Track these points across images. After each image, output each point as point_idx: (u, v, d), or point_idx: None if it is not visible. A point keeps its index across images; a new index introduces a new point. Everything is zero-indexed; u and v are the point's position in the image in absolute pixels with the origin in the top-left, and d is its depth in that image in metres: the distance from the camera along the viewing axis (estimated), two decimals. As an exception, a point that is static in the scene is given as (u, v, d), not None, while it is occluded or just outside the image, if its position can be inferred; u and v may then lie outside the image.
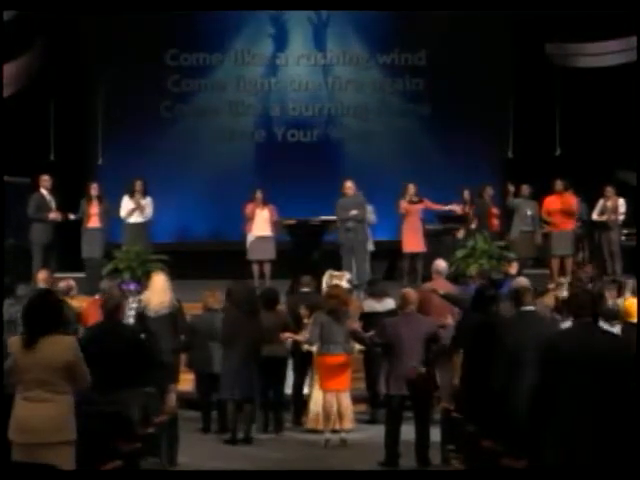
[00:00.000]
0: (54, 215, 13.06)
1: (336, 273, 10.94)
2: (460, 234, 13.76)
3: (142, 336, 8.05)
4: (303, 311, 9.81)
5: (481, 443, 6.37)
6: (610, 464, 4.73)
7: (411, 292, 8.59)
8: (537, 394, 4.97)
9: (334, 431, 9.03)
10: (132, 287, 11.07)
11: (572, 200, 13.66)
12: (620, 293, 9.57)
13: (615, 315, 8.46)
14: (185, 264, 13.60)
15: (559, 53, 15.31)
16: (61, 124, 15.53)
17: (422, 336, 8.15)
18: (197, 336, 9.50)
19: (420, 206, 13.58)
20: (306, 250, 12.75)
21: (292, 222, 12.98)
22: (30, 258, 12.88)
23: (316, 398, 9.34)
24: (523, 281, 9.57)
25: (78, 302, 10.54)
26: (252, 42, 16.64)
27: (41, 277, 10.75)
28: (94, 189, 13.23)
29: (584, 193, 13.99)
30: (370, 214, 13.48)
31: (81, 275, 12.85)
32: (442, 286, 9.86)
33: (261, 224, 13.40)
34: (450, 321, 9.36)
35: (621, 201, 13.73)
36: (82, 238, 13.11)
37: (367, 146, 16.44)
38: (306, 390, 9.87)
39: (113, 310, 7.34)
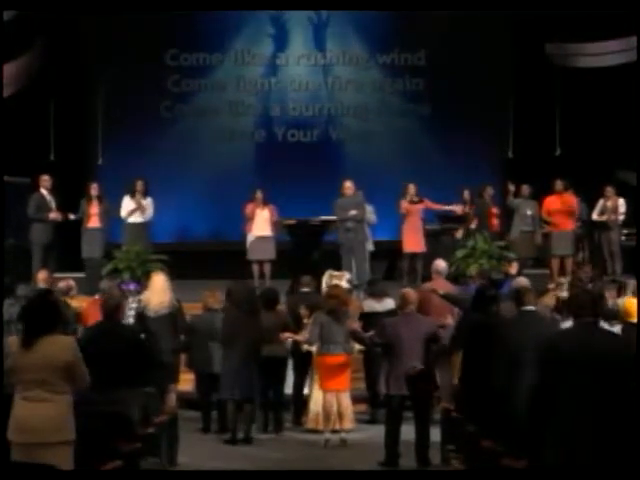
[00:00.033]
0: (54, 215, 13.06)
1: (336, 273, 10.94)
2: (459, 234, 13.76)
3: (142, 336, 8.05)
4: (303, 311, 9.81)
5: (481, 443, 6.37)
6: (610, 464, 4.73)
7: (411, 292, 8.59)
8: (537, 394, 4.97)
9: (334, 431, 9.03)
10: (132, 287, 11.06)
11: (572, 200, 13.66)
12: (620, 293, 9.56)
13: (615, 315, 8.45)
14: (185, 264, 13.60)
15: (559, 53, 15.31)
16: (61, 124, 15.53)
17: (422, 336, 8.16)
18: (197, 336, 9.50)
19: (421, 206, 13.58)
20: (306, 250, 12.75)
21: (292, 222, 12.98)
22: (30, 258, 12.89)
23: (316, 398, 9.34)
24: (523, 281, 9.59)
25: (78, 302, 10.55)
26: (252, 42, 16.64)
27: (41, 277, 10.76)
28: (94, 189, 13.23)
29: (584, 193, 13.99)
30: (370, 214, 13.48)
31: (81, 275, 12.86)
32: (442, 286, 9.87)
33: (261, 224, 13.40)
34: (450, 321, 9.36)
35: (621, 201, 13.73)
36: (82, 238, 13.11)
37: (367, 146, 16.43)
38: (306, 390, 9.87)
39: (113, 310, 7.34)
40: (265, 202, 13.42)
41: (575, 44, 15.01)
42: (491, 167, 15.81)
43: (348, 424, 9.11)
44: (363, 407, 9.99)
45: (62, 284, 10.25)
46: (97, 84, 15.79)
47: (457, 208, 13.91)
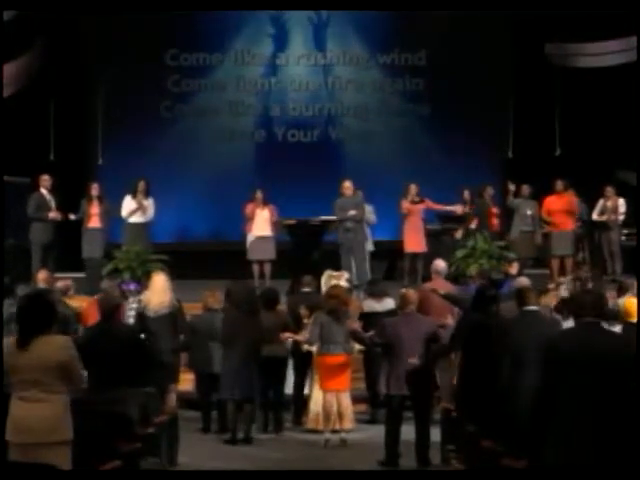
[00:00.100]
0: (54, 214, 13.06)
1: (335, 273, 10.94)
2: (458, 234, 13.76)
3: (142, 336, 8.06)
4: (303, 311, 9.81)
5: (481, 443, 6.37)
6: (610, 464, 4.73)
7: (411, 292, 8.59)
8: (538, 394, 4.97)
9: (334, 431, 9.03)
10: (132, 287, 11.06)
11: (572, 200, 13.66)
12: (620, 293, 9.56)
13: (615, 315, 8.45)
14: (185, 264, 13.60)
15: (559, 53, 15.32)
16: (61, 124, 15.53)
17: (422, 336, 8.15)
18: (197, 336, 9.50)
19: (422, 206, 13.57)
20: (306, 250, 12.75)
21: (292, 222, 12.99)
22: (30, 258, 12.89)
23: (316, 398, 9.34)
24: (524, 281, 9.60)
25: (78, 302, 10.56)
26: (252, 42, 16.64)
27: (41, 277, 10.76)
28: (94, 189, 13.23)
29: (584, 193, 13.99)
30: (370, 214, 13.49)
31: (81, 275, 12.87)
32: (441, 286, 9.87)
33: (261, 224, 13.40)
34: (450, 321, 9.36)
35: (621, 201, 13.73)
36: (82, 238, 13.11)
37: (367, 146, 16.43)
38: (306, 390, 9.87)
39: (112, 310, 7.35)
40: (265, 202, 13.42)
41: (575, 44, 15.01)
42: (491, 167, 15.81)
43: (348, 424, 9.11)
44: (363, 407, 9.98)
45: (60, 284, 10.25)
46: (97, 84, 15.79)
47: (458, 208, 13.91)
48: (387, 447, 8.12)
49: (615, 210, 13.65)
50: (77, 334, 8.79)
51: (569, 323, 7.12)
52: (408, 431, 8.19)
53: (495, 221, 13.94)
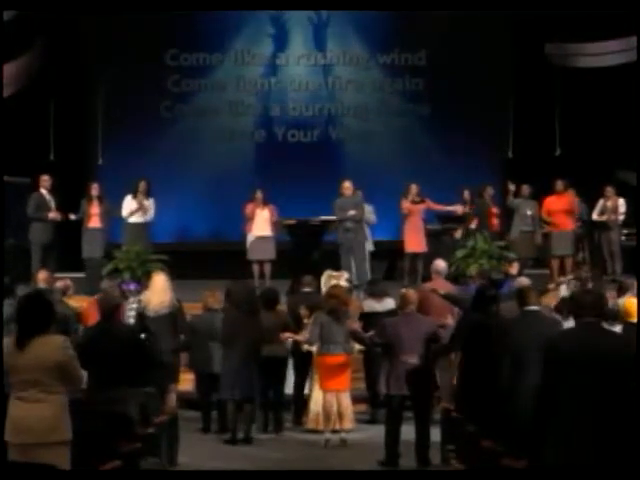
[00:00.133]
0: (53, 214, 13.06)
1: (334, 273, 10.94)
2: (458, 234, 13.76)
3: (142, 336, 8.05)
4: (303, 311, 9.81)
5: (481, 443, 6.36)
6: (610, 464, 4.72)
7: (411, 292, 8.59)
8: (538, 394, 4.97)
9: (334, 431, 9.03)
10: (132, 287, 11.06)
11: (572, 200, 13.66)
12: (620, 293, 9.56)
13: (615, 315, 8.45)
14: (185, 264, 13.60)
15: (559, 53, 15.31)
16: (61, 124, 15.53)
17: (422, 336, 8.15)
18: (197, 336, 9.50)
19: (422, 206, 13.56)
20: (306, 250, 12.75)
21: (292, 222, 12.99)
22: (30, 258, 12.89)
23: (316, 398, 9.34)
24: (525, 281, 9.60)
25: (78, 302, 10.57)
26: (252, 42, 16.64)
27: (41, 277, 10.76)
28: (95, 189, 13.24)
29: (584, 193, 13.99)
30: (370, 214, 13.49)
31: (81, 275, 12.87)
32: (441, 286, 9.88)
33: (261, 224, 13.40)
34: (450, 321, 9.36)
35: (621, 201, 13.73)
36: (82, 238, 13.11)
37: (367, 146, 16.43)
38: (306, 390, 9.87)
39: (112, 310, 7.35)
40: (265, 202, 13.42)
41: (575, 44, 15.01)
42: (491, 167, 15.81)
43: (348, 424, 9.11)
44: (363, 407, 9.99)
45: (60, 284, 10.24)
46: (97, 84, 15.79)
47: (458, 208, 13.90)
48: (387, 447, 8.13)
49: (615, 210, 13.65)
50: (77, 334, 8.80)
51: (569, 323, 7.11)
52: (408, 431, 8.19)
53: (495, 221, 13.94)
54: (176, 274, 10.82)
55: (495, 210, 14.00)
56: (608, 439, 4.74)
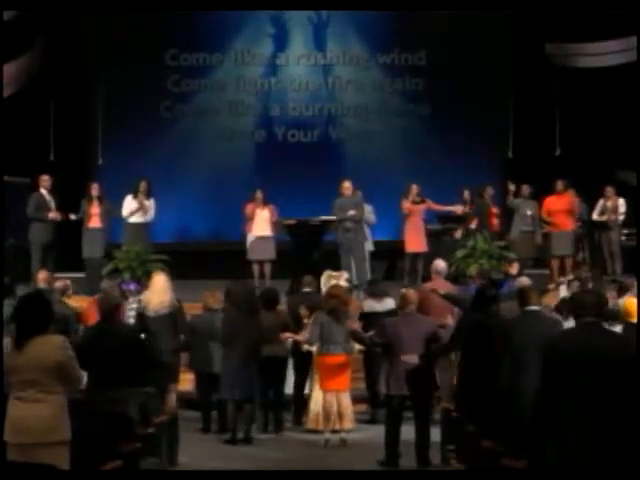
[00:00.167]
0: (53, 215, 13.06)
1: (334, 273, 10.94)
2: (457, 234, 13.76)
3: (142, 336, 8.06)
4: (303, 311, 9.81)
5: (481, 443, 6.37)
6: (610, 464, 4.72)
7: (411, 292, 8.59)
8: (539, 394, 4.97)
9: (334, 431, 9.03)
10: (132, 287, 11.07)
11: (572, 200, 13.66)
12: (620, 293, 9.56)
13: (615, 315, 8.45)
14: (185, 264, 13.60)
15: (559, 53, 15.32)
16: (61, 124, 15.53)
17: (422, 336, 8.15)
18: (197, 336, 9.50)
19: (423, 206, 13.57)
20: (306, 250, 12.75)
21: (292, 222, 12.98)
22: (29, 258, 12.89)
23: (316, 398, 9.34)
24: (525, 281, 9.60)
25: (78, 302, 10.57)
26: (252, 42, 16.64)
27: (41, 277, 10.77)
28: (95, 189, 13.24)
29: (584, 193, 13.99)
30: (369, 214, 13.49)
31: (81, 275, 12.88)
32: (441, 286, 9.88)
33: (261, 224, 13.40)
34: (450, 321, 9.36)
35: (621, 201, 13.73)
36: (83, 238, 13.11)
37: (367, 146, 16.43)
38: (306, 390, 9.87)
39: (111, 310, 7.35)
40: (265, 202, 13.42)
41: (575, 44, 15.01)
42: (491, 167, 15.81)
43: (348, 424, 9.10)
44: (363, 407, 9.98)
45: (59, 284, 10.25)
46: (97, 84, 15.79)
47: (458, 209, 13.90)
48: (387, 447, 8.13)
49: (615, 210, 13.65)
50: (77, 334, 8.80)
51: (569, 323, 7.11)
52: (408, 431, 8.19)
53: (495, 221, 13.94)
54: (176, 274, 10.82)
55: (495, 210, 14.00)
56: (608, 439, 4.74)
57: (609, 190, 13.69)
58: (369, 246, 13.46)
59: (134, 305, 9.84)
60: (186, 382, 9.75)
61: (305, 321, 9.70)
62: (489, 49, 15.88)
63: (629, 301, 8.77)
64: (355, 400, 9.45)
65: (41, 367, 5.26)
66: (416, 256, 13.41)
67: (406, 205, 13.43)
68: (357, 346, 9.28)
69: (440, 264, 10.30)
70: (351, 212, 12.85)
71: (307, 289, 10.38)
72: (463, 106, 15.91)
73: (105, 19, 15.17)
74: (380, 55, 16.64)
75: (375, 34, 16.46)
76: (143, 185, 13.22)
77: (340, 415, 9.03)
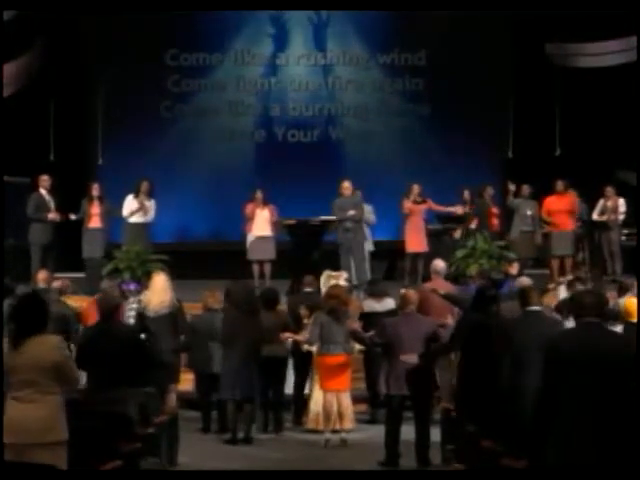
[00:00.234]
0: (53, 215, 13.05)
1: (334, 273, 10.94)
2: (457, 234, 13.75)
3: (142, 336, 8.05)
4: (303, 311, 9.81)
5: (481, 443, 6.37)
6: (611, 464, 4.72)
7: (411, 292, 8.59)
8: (539, 394, 4.97)
9: (334, 431, 9.03)
10: (132, 287, 11.06)
11: (572, 200, 13.66)
12: (621, 293, 9.56)
13: (616, 315, 8.45)
14: (185, 264, 13.59)
15: (559, 53, 15.32)
16: (61, 124, 15.53)
17: (422, 336, 8.15)
18: (197, 336, 9.50)
19: (424, 206, 13.57)
20: (306, 250, 12.75)
21: (292, 222, 12.98)
22: (29, 258, 12.88)
23: (316, 398, 9.34)
24: (526, 281, 9.60)
25: (78, 302, 10.57)
26: (252, 42, 16.63)
27: (41, 277, 10.77)
28: (95, 189, 13.23)
29: (584, 193, 13.99)
30: (369, 214, 13.48)
31: (81, 275, 12.87)
32: (441, 286, 9.87)
33: (261, 224, 13.40)
34: (450, 321, 9.36)
35: (621, 201, 13.73)
36: (83, 238, 13.11)
37: (367, 146, 16.43)
38: (306, 390, 9.87)
39: (111, 310, 7.35)
40: (265, 202, 13.42)
41: (575, 44, 15.02)
42: (491, 167, 15.81)
43: (348, 424, 9.10)
44: (363, 407, 9.98)
45: (56, 283, 10.24)
46: (97, 84, 15.79)
47: (459, 209, 13.90)
48: (387, 447, 8.13)
49: (615, 210, 13.65)
50: (78, 334, 8.80)
51: (570, 323, 7.11)
52: (408, 431, 8.19)
53: (495, 221, 13.94)
54: (176, 274, 10.81)
55: (495, 210, 13.99)
56: (608, 439, 4.74)
57: (609, 190, 13.69)
58: (369, 246, 13.46)
59: (134, 305, 9.83)
60: (186, 382, 9.74)
61: (305, 321, 9.70)
62: (489, 49, 15.87)
63: (629, 301, 8.77)
64: (355, 400, 9.44)
65: (38, 367, 5.25)
66: (416, 256, 13.41)
67: (407, 205, 13.43)
68: (357, 346, 9.28)
69: (439, 264, 10.30)
70: (351, 212, 12.84)
71: (308, 289, 10.38)
72: (463, 106, 15.91)
73: (105, 19, 15.17)
74: (380, 55, 16.64)
75: (375, 34, 16.46)
76: (145, 185, 13.21)
77: (340, 415, 9.02)
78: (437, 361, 8.63)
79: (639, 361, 4.79)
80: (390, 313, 9.37)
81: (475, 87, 15.88)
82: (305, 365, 9.85)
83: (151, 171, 14.24)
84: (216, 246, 15.50)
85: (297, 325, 9.73)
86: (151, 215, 13.29)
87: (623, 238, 14.10)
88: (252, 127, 16.65)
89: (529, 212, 13.66)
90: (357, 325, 9.63)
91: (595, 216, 13.84)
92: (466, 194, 14.06)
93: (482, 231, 13.12)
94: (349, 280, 11.44)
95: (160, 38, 16.07)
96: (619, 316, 8.47)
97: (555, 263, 13.47)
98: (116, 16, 14.79)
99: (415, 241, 13.40)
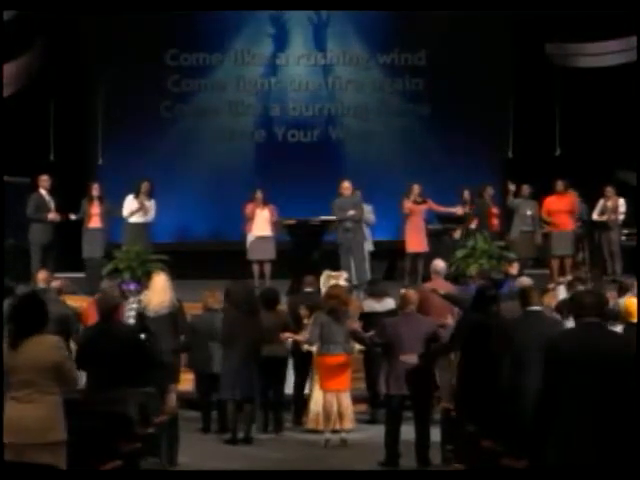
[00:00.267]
0: (53, 216, 13.05)
1: (333, 273, 10.94)
2: (457, 234, 13.75)
3: (142, 336, 8.05)
4: (303, 311, 9.81)
5: (481, 443, 6.36)
6: (611, 464, 4.72)
7: (411, 292, 8.59)
8: (539, 394, 4.97)
9: (334, 431, 9.03)
10: (132, 287, 11.06)
11: (572, 200, 13.66)
12: (621, 293, 9.56)
13: (616, 315, 8.45)
14: (185, 264, 13.59)
15: (559, 53, 15.32)
16: (61, 124, 15.52)
17: (422, 336, 8.15)
18: (197, 336, 9.50)
19: (424, 207, 13.57)
20: (306, 250, 12.76)
21: (292, 222, 12.99)
22: (29, 258, 12.88)
23: (316, 398, 9.34)
24: (527, 281, 9.60)
25: (78, 302, 10.57)
26: (252, 42, 16.63)
27: (41, 277, 10.76)
28: (95, 189, 13.23)
29: (584, 193, 13.99)
30: (369, 214, 13.48)
31: (81, 275, 12.87)
32: (441, 286, 9.88)
33: (261, 224, 13.40)
34: (450, 321, 9.36)
35: (621, 201, 13.73)
36: (83, 238, 13.11)
37: (367, 146, 16.43)
38: (306, 390, 9.87)
39: (110, 310, 7.35)
40: (265, 202, 13.42)
41: (575, 44, 15.02)
42: (491, 167, 15.81)
43: (348, 424, 9.10)
44: (363, 407, 9.98)
45: (55, 283, 10.23)
46: (97, 84, 15.79)
47: (459, 210, 13.90)
48: (387, 447, 8.13)
49: (615, 210, 13.65)
50: (78, 334, 8.80)
51: (570, 323, 7.11)
52: (408, 431, 8.19)
53: (495, 221, 13.94)
54: (176, 274, 10.80)
55: (495, 210, 14.00)
56: (608, 439, 4.74)
57: (609, 190, 13.70)
58: (369, 246, 13.46)
59: (134, 305, 9.83)
60: (186, 382, 9.74)
61: (305, 321, 9.70)
62: (489, 49, 15.87)
63: (629, 301, 8.78)
64: (355, 400, 9.44)
65: (37, 367, 5.25)
66: (417, 256, 13.41)
67: (407, 205, 13.43)
68: (357, 346, 9.28)
69: (439, 264, 10.30)
70: (351, 212, 12.84)
71: (308, 289, 10.38)
72: (463, 106, 15.90)
73: (105, 19, 15.17)
74: (380, 55, 16.64)
75: (375, 34, 16.46)
76: (145, 186, 13.22)
77: (340, 415, 9.02)
78: (437, 361, 8.63)
79: (639, 361, 4.79)
80: (390, 313, 9.37)
81: (475, 87, 15.88)
82: (305, 365, 9.85)
83: (151, 171, 14.24)
84: (216, 246, 15.50)
85: (297, 325, 9.73)
86: (151, 215, 13.30)
87: (623, 238, 14.11)
88: (252, 127, 16.65)
89: (529, 212, 13.66)
90: (357, 325, 9.63)
91: (595, 216, 13.84)
92: (466, 194, 14.05)
93: (482, 231, 13.12)
94: (349, 280, 11.44)
95: (160, 38, 16.07)
96: (619, 316, 8.47)
97: (555, 263, 13.48)
98: (116, 16, 14.78)
99: (415, 241, 13.40)
